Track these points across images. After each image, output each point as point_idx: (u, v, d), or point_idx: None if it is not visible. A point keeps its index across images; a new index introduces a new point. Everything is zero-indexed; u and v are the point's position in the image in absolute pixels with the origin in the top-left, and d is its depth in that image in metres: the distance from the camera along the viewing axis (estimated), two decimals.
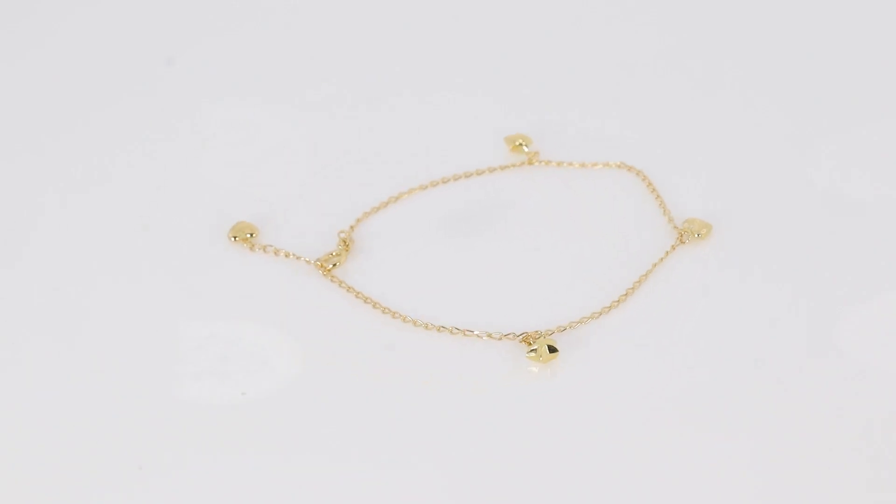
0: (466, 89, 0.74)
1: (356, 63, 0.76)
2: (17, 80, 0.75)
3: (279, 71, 0.75)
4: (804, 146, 0.68)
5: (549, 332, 0.59)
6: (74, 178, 0.68)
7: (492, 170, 0.68)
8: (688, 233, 0.63)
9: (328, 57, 0.76)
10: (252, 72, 0.75)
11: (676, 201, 0.66)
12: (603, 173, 0.68)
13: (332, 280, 0.62)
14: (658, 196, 0.66)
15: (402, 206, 0.66)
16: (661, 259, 0.63)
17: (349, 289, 0.62)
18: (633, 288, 0.61)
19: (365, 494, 0.54)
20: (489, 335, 0.59)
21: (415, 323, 0.60)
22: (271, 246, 0.64)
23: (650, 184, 0.66)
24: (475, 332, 0.59)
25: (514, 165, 0.68)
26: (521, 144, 0.69)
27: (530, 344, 0.59)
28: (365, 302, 0.61)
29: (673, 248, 0.63)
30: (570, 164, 0.68)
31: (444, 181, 0.67)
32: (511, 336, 0.59)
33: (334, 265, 0.62)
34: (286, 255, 0.63)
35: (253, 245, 0.64)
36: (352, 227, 0.64)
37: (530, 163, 0.68)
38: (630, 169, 0.68)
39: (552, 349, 0.58)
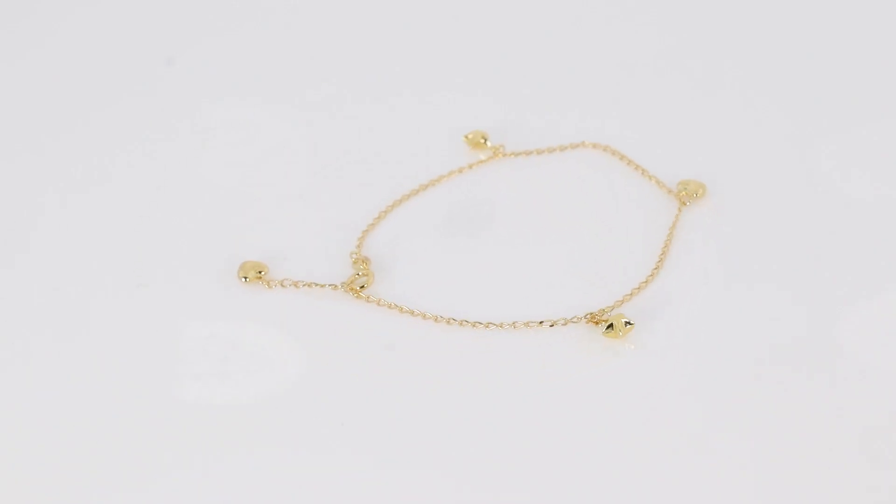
0: (466, 89, 0.74)
1: (356, 63, 0.76)
2: (17, 80, 0.75)
3: (279, 71, 0.75)
4: (804, 146, 0.68)
5: (610, 308, 0.60)
6: (74, 178, 0.68)
7: (461, 169, 0.67)
8: (686, 194, 0.64)
9: (328, 57, 0.76)
10: (252, 72, 0.75)
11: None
12: (572, 155, 0.68)
13: (367, 301, 0.61)
14: (638, 166, 0.66)
15: (398, 216, 0.66)
16: (674, 224, 0.62)
17: (390, 305, 0.61)
18: (662, 256, 0.61)
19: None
20: (553, 323, 0.59)
21: (474, 325, 0.60)
22: (288, 279, 0.62)
23: (622, 156, 0.66)
24: (540, 322, 0.59)
25: (481, 162, 0.68)
26: (484, 141, 0.69)
27: (598, 324, 0.59)
28: (413, 315, 0.60)
29: (679, 210, 0.63)
30: (538, 151, 0.68)
31: (423, 187, 0.67)
32: (576, 319, 0.59)
33: (362, 287, 0.61)
34: (308, 286, 0.61)
35: (269, 282, 0.62)
36: (359, 247, 0.63)
37: (496, 156, 0.68)
38: (595, 146, 0.68)
39: (627, 323, 0.58)
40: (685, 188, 0.64)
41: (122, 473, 0.55)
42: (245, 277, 0.62)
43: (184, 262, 0.64)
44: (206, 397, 0.58)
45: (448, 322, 0.60)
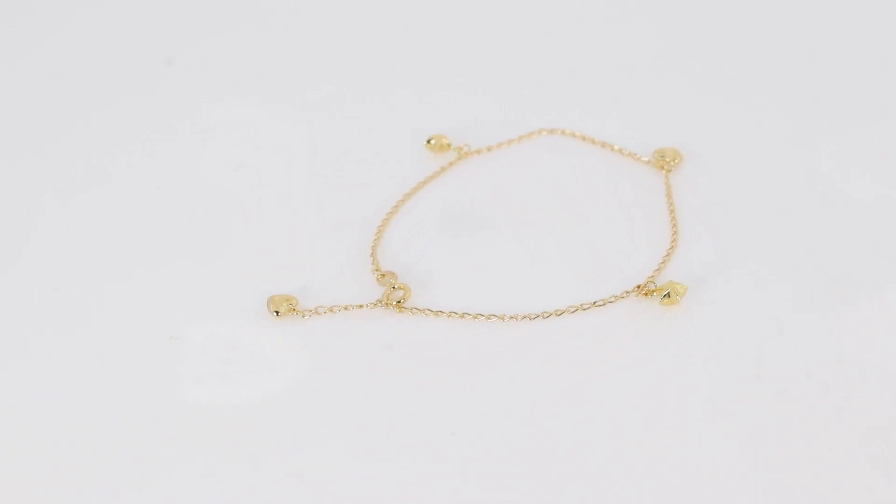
0: (466, 89, 0.74)
1: (356, 63, 0.76)
2: (17, 80, 0.75)
3: (279, 71, 0.75)
4: (804, 146, 0.68)
5: (652, 279, 0.60)
6: (74, 178, 0.68)
7: (436, 173, 0.67)
8: (665, 161, 0.64)
9: (328, 57, 0.76)
10: (252, 72, 0.75)
11: (677, 199, 0.66)
12: (531, 143, 0.68)
13: (412, 313, 0.60)
14: (604, 143, 0.66)
15: (398, 221, 0.66)
16: (669, 192, 0.63)
17: (438, 313, 0.60)
18: (674, 224, 0.62)
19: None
20: (605, 300, 0.60)
21: (524, 318, 0.60)
22: (322, 306, 0.61)
23: (584, 137, 0.67)
24: (593, 302, 0.60)
25: (451, 164, 0.68)
26: (448, 144, 0.68)
27: (648, 294, 0.59)
28: (462, 317, 0.60)
29: (666, 177, 0.63)
30: (499, 145, 0.68)
31: (407, 197, 0.67)
32: (624, 294, 0.60)
33: (399, 301, 0.60)
34: (345, 309, 0.60)
35: (303, 313, 0.60)
36: (374, 262, 0.63)
37: (460, 157, 0.68)
38: (552, 131, 0.68)
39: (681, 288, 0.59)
40: (662, 156, 0.64)
41: (122, 474, 0.55)
42: (277, 312, 0.60)
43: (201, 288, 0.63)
44: (207, 398, 0.58)
45: (501, 318, 0.60)
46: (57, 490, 0.55)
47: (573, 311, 0.60)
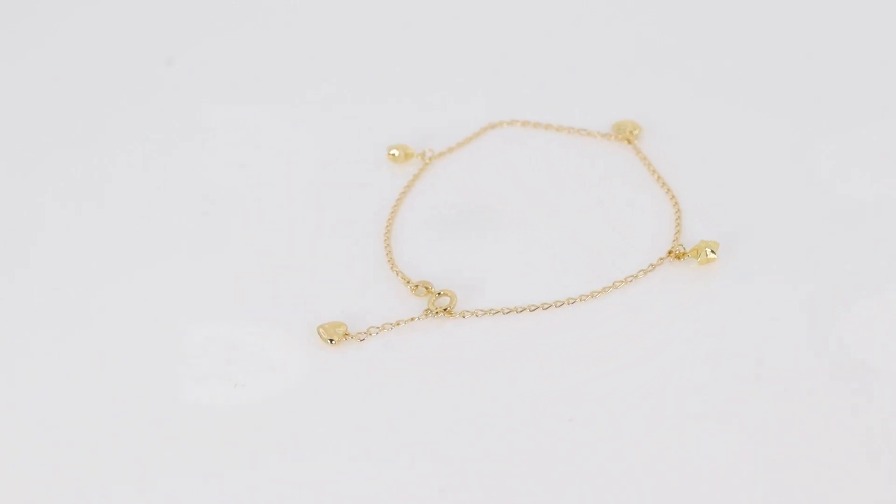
0: (467, 89, 0.73)
1: (356, 63, 0.76)
2: (17, 80, 0.75)
3: (279, 71, 0.75)
4: (804, 146, 0.68)
5: (679, 243, 0.61)
6: (74, 178, 0.68)
7: (411, 184, 0.67)
8: (623, 134, 0.66)
9: (328, 57, 0.76)
10: (252, 72, 0.75)
11: (680, 204, 0.66)
12: (488, 136, 0.69)
13: (464, 317, 0.60)
14: (557, 127, 0.67)
15: (400, 224, 0.66)
16: (646, 160, 0.66)
17: (489, 311, 0.60)
18: (666, 187, 0.64)
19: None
20: (636, 275, 0.61)
21: (565, 304, 0.60)
22: (373, 327, 0.60)
23: (536, 124, 0.68)
24: (634, 274, 0.61)
25: (420, 172, 0.68)
26: (411, 153, 0.68)
27: (680, 257, 0.61)
28: (518, 312, 0.60)
29: (636, 148, 0.65)
30: (458, 144, 0.68)
31: (398, 201, 0.67)
32: (658, 261, 0.61)
33: (446, 309, 0.60)
34: (396, 325, 0.60)
35: (357, 336, 0.60)
36: (399, 274, 0.62)
37: (427, 163, 0.68)
38: (500, 124, 0.69)
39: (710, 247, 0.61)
40: (620, 129, 0.66)
41: (122, 474, 0.55)
42: (331, 340, 0.59)
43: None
44: (207, 398, 0.58)
45: (555, 305, 0.60)
46: (57, 490, 0.55)
47: (610, 289, 0.61)
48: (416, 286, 0.61)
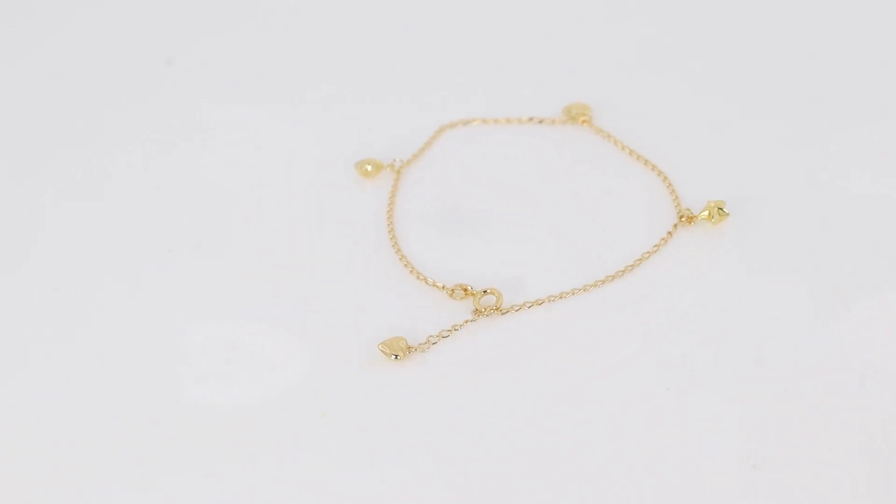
0: (466, 89, 0.74)
1: (356, 63, 0.76)
2: (17, 79, 0.75)
3: (279, 71, 0.75)
4: (804, 146, 0.68)
5: (687, 209, 0.62)
6: (74, 178, 0.68)
7: (392, 200, 0.67)
8: (575, 116, 0.67)
9: (328, 57, 0.76)
10: (252, 72, 0.75)
11: (682, 201, 0.66)
12: (446, 137, 0.69)
13: (514, 312, 0.60)
14: (509, 119, 0.68)
15: (404, 227, 0.66)
16: (612, 136, 0.67)
17: (537, 302, 0.60)
18: (644, 160, 0.66)
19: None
20: (650, 251, 0.62)
21: (600, 283, 0.61)
22: (431, 336, 0.60)
23: (495, 120, 0.68)
24: (655, 246, 0.62)
25: (395, 183, 0.68)
26: (380, 165, 0.68)
27: (691, 220, 0.62)
28: (562, 298, 0.60)
29: (595, 128, 0.67)
30: (420, 151, 0.68)
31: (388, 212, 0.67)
32: (672, 229, 0.62)
33: (497, 308, 0.60)
34: (451, 331, 0.60)
35: (422, 348, 0.59)
36: (424, 280, 0.62)
37: (398, 172, 0.68)
38: (454, 125, 0.69)
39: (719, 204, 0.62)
40: (571, 111, 0.68)
41: (122, 474, 0.55)
42: (396, 356, 0.59)
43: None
44: (208, 398, 0.58)
45: (595, 285, 0.61)
46: (57, 490, 0.55)
47: (643, 260, 0.61)
48: (453, 290, 0.60)
